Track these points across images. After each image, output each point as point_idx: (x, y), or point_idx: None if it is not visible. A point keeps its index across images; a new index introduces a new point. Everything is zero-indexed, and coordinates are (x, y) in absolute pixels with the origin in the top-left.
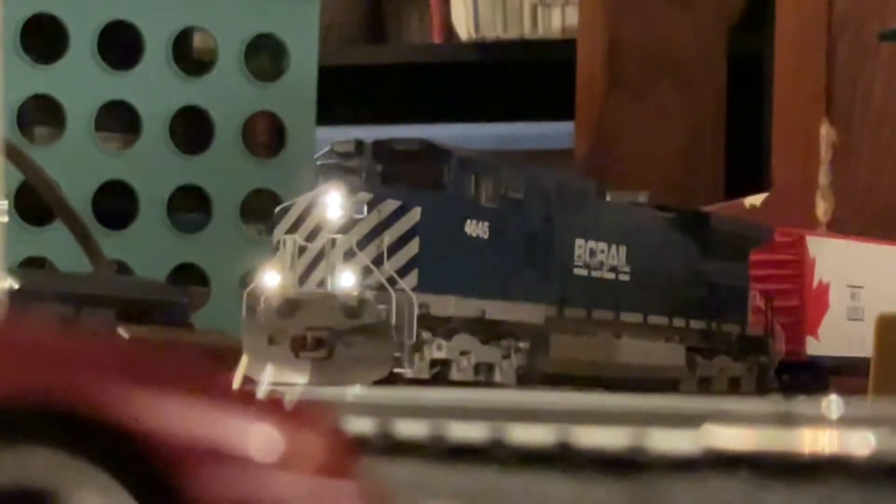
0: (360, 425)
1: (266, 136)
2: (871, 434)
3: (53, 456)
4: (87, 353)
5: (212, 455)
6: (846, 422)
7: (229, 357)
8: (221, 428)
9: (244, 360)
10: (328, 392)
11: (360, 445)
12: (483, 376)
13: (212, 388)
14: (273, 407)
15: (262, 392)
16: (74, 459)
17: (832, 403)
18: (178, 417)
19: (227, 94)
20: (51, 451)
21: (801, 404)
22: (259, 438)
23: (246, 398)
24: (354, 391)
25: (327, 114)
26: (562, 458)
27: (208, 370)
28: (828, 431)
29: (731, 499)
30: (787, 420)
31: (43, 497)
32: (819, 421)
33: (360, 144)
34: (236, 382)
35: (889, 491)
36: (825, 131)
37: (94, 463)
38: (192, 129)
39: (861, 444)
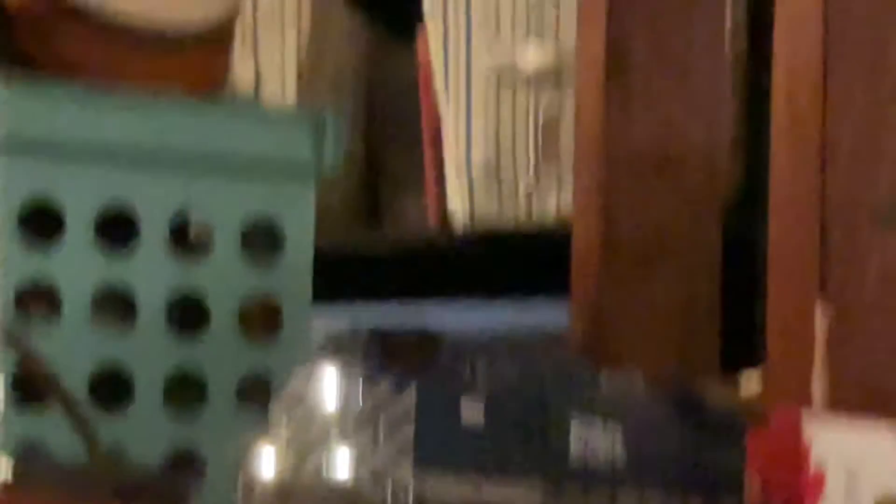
0: None
1: (262, 319)
2: None
3: None
4: None
5: None
6: None
7: None
8: None
9: None
10: None
11: None
12: None
13: None
14: None
15: None
16: None
17: None
18: None
19: (224, 277)
20: None
21: None
22: None
23: None
24: None
25: (322, 295)
26: None
27: None
28: None
29: None
30: None
31: None
32: None
33: (354, 332)
34: None
35: None
36: (820, 312)
37: None
38: (188, 314)
39: None
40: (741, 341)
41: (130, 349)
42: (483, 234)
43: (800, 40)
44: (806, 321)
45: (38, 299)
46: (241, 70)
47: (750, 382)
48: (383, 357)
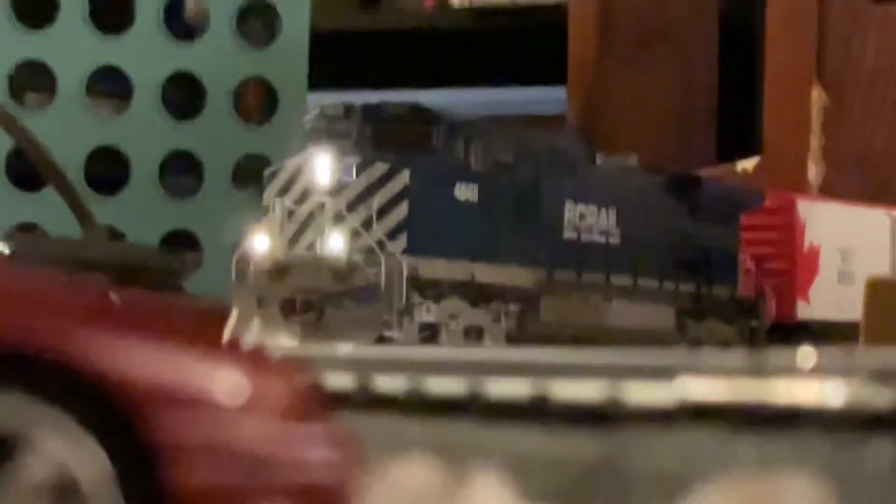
0: (340, 380)
1: (258, 101)
2: (844, 384)
3: (21, 400)
4: (56, 299)
5: (176, 399)
6: (819, 372)
7: (219, 320)
8: (186, 373)
9: (234, 315)
10: (311, 348)
11: (339, 399)
12: (473, 340)
13: (181, 335)
14: (239, 353)
15: (246, 344)
16: (42, 404)
17: (806, 355)
18: (143, 363)
19: (219, 59)
20: (19, 394)
21: (774, 356)
22: (225, 383)
23: (213, 345)
24: (336, 347)
25: (319, 79)
26: (538, 412)
27: (180, 319)
28: (801, 382)
29: (704, 449)
30: (761, 371)
31: (9, 440)
32: (792, 372)
33: (349, 108)
34: (225, 337)
35: (860, 440)
36: (816, 95)
37: (61, 408)
38: (183, 95)
39: (834, 394)
40: (739, 127)
41: (126, 131)
42: (479, 13)
43: None
44: (802, 105)
45: (34, 82)
46: None
47: (746, 168)
48: (377, 134)
